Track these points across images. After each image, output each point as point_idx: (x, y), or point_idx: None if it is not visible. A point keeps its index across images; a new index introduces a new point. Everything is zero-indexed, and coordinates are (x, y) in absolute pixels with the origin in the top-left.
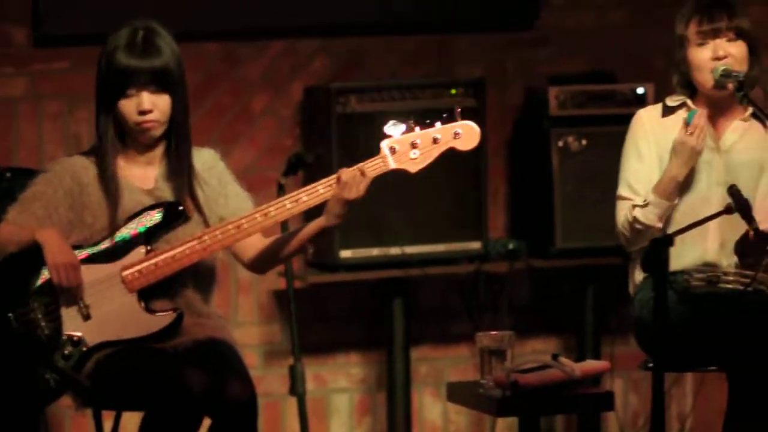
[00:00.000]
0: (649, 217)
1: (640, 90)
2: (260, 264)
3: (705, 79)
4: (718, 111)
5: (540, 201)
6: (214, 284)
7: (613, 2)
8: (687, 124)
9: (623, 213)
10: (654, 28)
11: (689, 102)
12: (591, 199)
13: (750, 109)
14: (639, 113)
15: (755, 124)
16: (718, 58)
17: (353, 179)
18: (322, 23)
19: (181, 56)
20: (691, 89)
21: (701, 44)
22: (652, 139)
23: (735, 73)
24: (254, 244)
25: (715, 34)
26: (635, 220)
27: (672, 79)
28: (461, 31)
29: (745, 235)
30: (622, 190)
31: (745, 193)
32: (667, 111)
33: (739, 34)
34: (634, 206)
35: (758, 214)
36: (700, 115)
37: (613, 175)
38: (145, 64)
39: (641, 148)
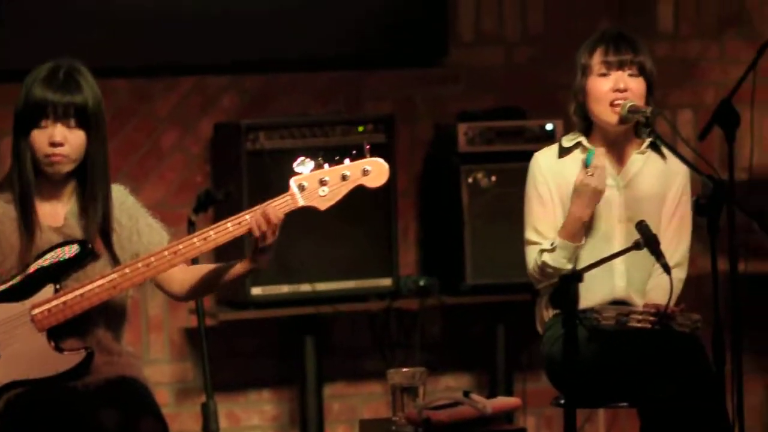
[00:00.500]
0: (558, 260)
1: (548, 126)
2: (185, 294)
3: (601, 110)
4: (614, 145)
5: (450, 237)
6: (125, 322)
7: (521, 40)
8: (586, 165)
9: (533, 257)
10: (562, 65)
11: (584, 141)
12: (501, 235)
13: (647, 141)
14: (535, 157)
15: (653, 156)
16: (618, 90)
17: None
18: (231, 60)
19: (101, 99)
20: (587, 121)
21: (603, 75)
22: (551, 181)
23: (642, 110)
24: (177, 276)
25: (620, 66)
26: (545, 264)
27: (569, 107)
28: (370, 67)
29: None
30: (529, 235)
31: (649, 225)
32: (564, 152)
33: (641, 71)
34: (542, 251)
35: (662, 246)
36: (599, 155)
37: (523, 211)
38: (64, 98)
39: (541, 192)
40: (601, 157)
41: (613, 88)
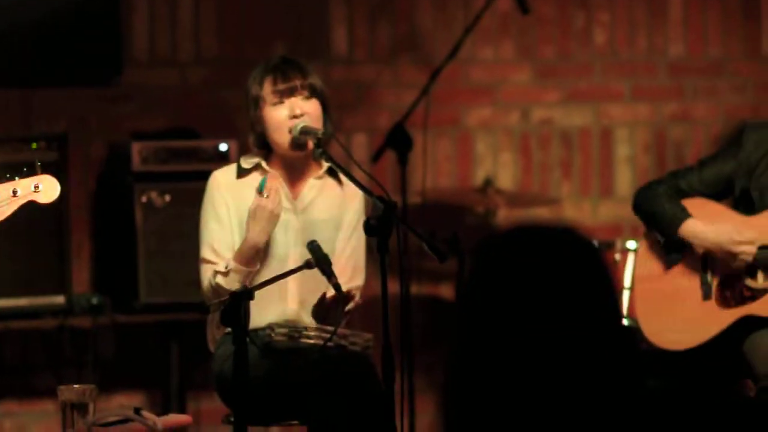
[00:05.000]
0: (231, 284)
1: (222, 147)
2: None
3: (282, 138)
4: (293, 171)
5: (124, 256)
6: None
7: (194, 60)
8: (260, 191)
9: (207, 276)
10: (235, 86)
11: (264, 163)
12: (175, 254)
13: (325, 167)
14: (214, 175)
15: (330, 182)
16: (295, 116)
17: None
18: None
19: None
20: (267, 149)
21: (277, 103)
22: (229, 200)
23: (314, 131)
24: None
25: (291, 92)
26: (218, 286)
27: (249, 139)
28: (43, 85)
29: (322, 298)
30: (205, 253)
31: (325, 249)
32: (243, 172)
33: (313, 92)
34: (217, 272)
35: (337, 271)
36: (272, 177)
37: (197, 230)
38: None
39: (219, 211)
40: (274, 180)
41: (289, 114)
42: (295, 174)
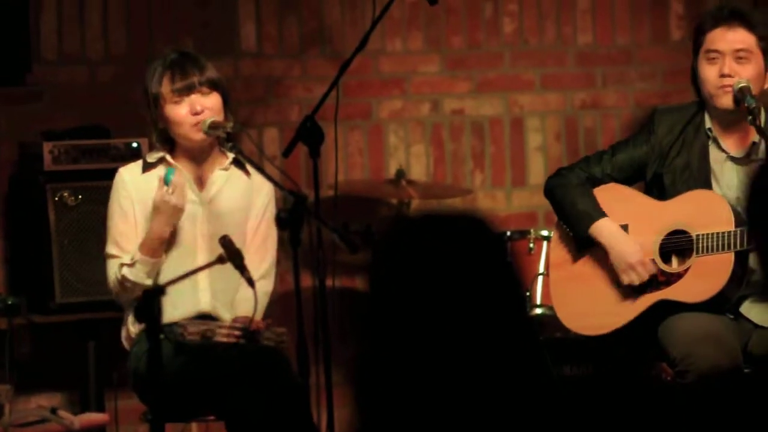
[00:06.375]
0: (137, 275)
1: (134, 144)
2: None
3: (186, 132)
4: (199, 162)
5: (38, 256)
6: None
7: (103, 58)
8: (166, 183)
9: (113, 271)
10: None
11: (168, 157)
12: (89, 253)
13: (230, 157)
14: (119, 172)
15: (237, 172)
16: (197, 113)
17: None
18: None
19: None
20: (171, 144)
21: (177, 101)
22: (135, 195)
23: (222, 125)
24: None
25: (190, 89)
26: (124, 278)
27: (151, 137)
28: None
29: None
30: (111, 249)
31: (234, 239)
32: (148, 167)
33: (213, 86)
34: (122, 265)
35: (247, 260)
36: (179, 173)
37: (106, 225)
38: None
39: (124, 207)
40: (181, 175)
41: (190, 111)
42: (200, 165)
